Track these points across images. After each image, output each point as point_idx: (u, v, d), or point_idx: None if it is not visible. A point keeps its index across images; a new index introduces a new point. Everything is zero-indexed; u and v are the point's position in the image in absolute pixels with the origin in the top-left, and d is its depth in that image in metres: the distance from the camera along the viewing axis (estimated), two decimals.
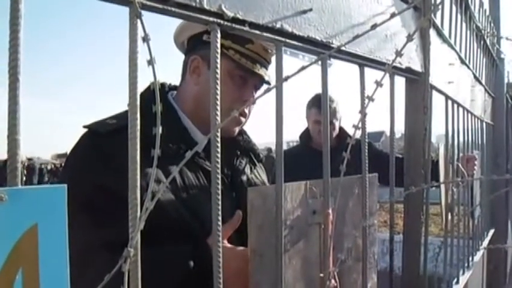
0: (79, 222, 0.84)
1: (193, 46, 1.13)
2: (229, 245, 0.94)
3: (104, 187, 0.91)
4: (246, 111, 1.14)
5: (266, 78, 1.13)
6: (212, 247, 0.85)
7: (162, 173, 0.96)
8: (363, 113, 0.67)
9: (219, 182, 0.58)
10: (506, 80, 3.07)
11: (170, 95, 1.16)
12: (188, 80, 1.13)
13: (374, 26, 0.51)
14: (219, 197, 0.58)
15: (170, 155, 0.99)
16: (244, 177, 1.19)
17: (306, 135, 2.55)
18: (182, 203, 0.99)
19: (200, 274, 0.88)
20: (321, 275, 0.76)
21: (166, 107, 1.10)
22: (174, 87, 1.20)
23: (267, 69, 1.14)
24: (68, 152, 1.09)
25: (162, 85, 1.19)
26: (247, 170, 1.21)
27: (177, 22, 1.17)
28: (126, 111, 1.11)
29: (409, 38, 0.51)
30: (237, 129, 1.17)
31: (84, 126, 1.03)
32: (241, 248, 0.92)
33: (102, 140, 0.97)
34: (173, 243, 0.94)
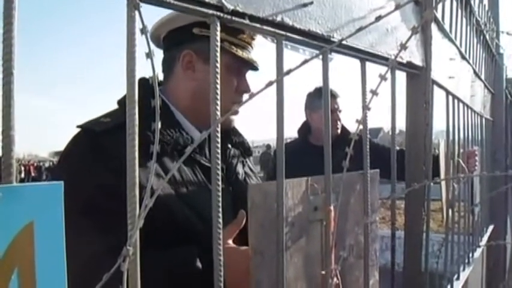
0: (80, 227, 0.81)
1: (179, 40, 1.08)
2: (236, 246, 0.92)
3: (105, 188, 0.86)
4: (242, 100, 1.13)
5: (256, 64, 1.12)
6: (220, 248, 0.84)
7: (161, 169, 0.95)
8: (365, 107, 0.65)
9: (219, 178, 0.57)
10: (505, 76, 3.05)
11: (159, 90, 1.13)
12: (181, 75, 1.10)
13: (378, 18, 0.49)
14: (220, 193, 0.57)
15: (167, 151, 0.98)
16: (238, 171, 1.18)
17: (304, 130, 2.45)
18: (182, 199, 0.97)
19: (208, 276, 0.87)
20: (323, 272, 0.75)
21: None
22: (160, 83, 1.16)
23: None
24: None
25: (148, 80, 1.13)
26: (240, 163, 1.21)
27: None
28: (118, 110, 1.08)
29: (414, 30, 0.49)
30: (235, 120, 1.17)
31: (78, 126, 0.99)
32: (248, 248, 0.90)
33: (100, 139, 0.94)
34: (177, 242, 0.91)
